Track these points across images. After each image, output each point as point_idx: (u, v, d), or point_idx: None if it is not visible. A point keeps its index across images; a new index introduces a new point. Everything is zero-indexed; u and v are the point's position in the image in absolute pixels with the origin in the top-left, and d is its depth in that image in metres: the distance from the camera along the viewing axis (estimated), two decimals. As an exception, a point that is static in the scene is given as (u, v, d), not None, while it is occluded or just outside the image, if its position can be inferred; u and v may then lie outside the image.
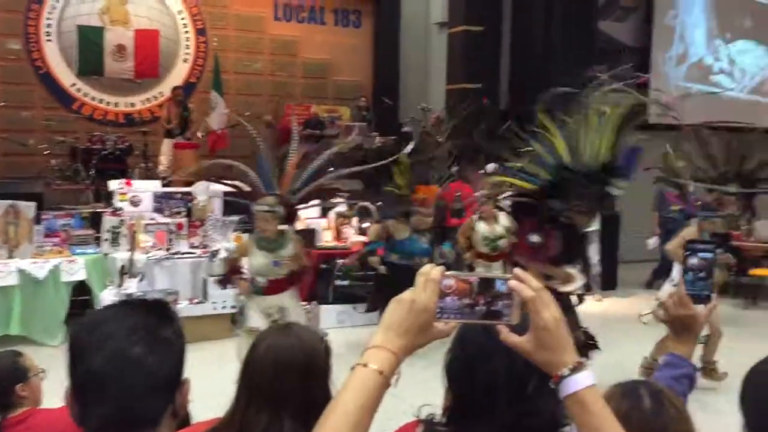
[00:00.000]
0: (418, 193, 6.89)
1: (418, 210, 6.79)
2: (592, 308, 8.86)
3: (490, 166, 8.94)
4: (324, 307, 7.70)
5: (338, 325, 7.58)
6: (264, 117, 11.86)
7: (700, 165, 5.98)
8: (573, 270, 5.23)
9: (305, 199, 5.62)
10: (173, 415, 1.30)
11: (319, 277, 7.87)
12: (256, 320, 5.12)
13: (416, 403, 1.57)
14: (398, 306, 1.14)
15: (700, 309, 1.79)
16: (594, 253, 9.17)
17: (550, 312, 1.11)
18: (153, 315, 1.30)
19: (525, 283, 1.11)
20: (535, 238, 5.39)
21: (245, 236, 6.51)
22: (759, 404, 1.53)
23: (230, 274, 5.39)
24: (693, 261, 1.84)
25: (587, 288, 9.17)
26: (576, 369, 1.11)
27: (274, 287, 5.25)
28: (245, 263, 5.34)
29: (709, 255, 1.84)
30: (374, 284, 7.17)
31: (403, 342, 1.12)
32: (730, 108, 11.95)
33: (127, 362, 1.22)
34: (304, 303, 7.45)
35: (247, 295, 5.33)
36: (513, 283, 1.11)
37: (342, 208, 8.54)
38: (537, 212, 5.38)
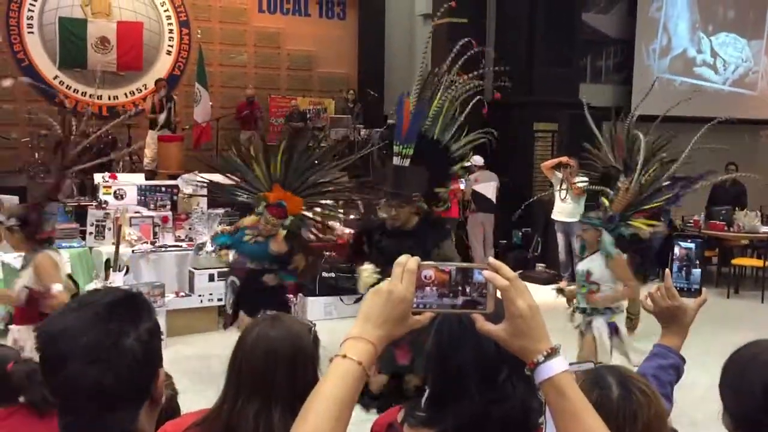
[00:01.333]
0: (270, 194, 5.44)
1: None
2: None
3: (477, 158, 8.98)
4: (310, 299, 7.71)
5: (325, 317, 7.60)
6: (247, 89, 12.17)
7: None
8: None
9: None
10: (152, 403, 1.31)
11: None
12: None
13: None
14: (376, 297, 1.15)
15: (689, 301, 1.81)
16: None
17: (524, 300, 1.13)
18: (115, 320, 1.23)
19: (499, 273, 1.13)
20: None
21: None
22: (736, 391, 1.58)
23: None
24: (677, 252, 1.87)
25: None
26: (550, 355, 1.14)
27: (19, 316, 4.23)
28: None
29: (691, 246, 1.87)
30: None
31: (381, 333, 1.14)
32: (713, 100, 12.06)
33: (85, 388, 1.20)
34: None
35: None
36: (487, 273, 1.13)
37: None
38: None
